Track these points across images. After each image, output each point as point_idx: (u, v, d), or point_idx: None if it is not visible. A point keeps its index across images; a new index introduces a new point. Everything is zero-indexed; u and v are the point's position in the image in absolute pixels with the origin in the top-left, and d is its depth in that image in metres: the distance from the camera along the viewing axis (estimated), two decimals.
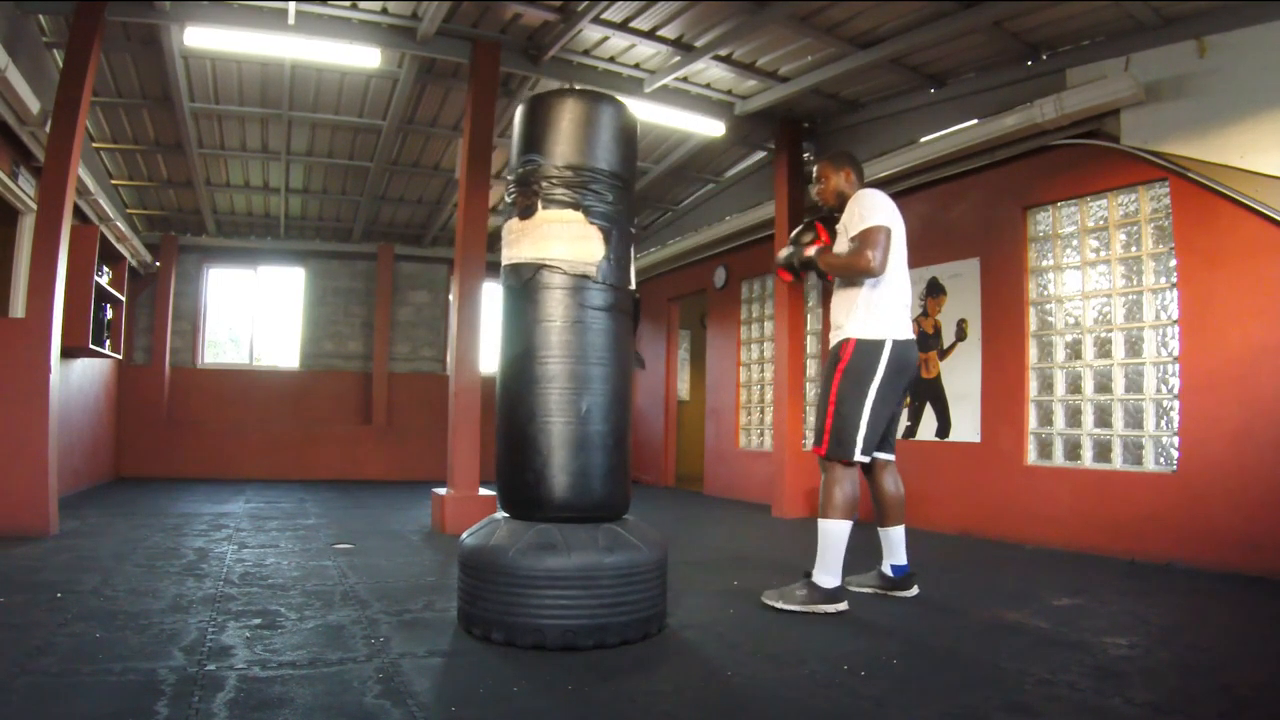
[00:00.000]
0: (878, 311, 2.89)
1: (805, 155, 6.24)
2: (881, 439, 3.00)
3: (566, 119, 2.49)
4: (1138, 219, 4.36)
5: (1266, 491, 3.60)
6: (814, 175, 3.23)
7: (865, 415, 2.84)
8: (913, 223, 5.55)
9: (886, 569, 3.11)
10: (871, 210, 2.88)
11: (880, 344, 2.86)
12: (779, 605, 2.79)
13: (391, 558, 3.80)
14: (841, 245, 2.98)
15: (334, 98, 5.98)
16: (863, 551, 3.32)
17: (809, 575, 2.85)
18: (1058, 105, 4.37)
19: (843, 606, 2.80)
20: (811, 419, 6.08)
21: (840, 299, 3.01)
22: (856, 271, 2.86)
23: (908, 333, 2.93)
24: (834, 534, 2.82)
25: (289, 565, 3.48)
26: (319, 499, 6.56)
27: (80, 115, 4.20)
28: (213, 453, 8.40)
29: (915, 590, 3.10)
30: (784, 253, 3.16)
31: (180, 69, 5.34)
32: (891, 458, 3.10)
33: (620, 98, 2.76)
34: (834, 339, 3.01)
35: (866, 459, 2.92)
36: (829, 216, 3.16)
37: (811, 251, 3.05)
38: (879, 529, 3.13)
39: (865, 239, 2.83)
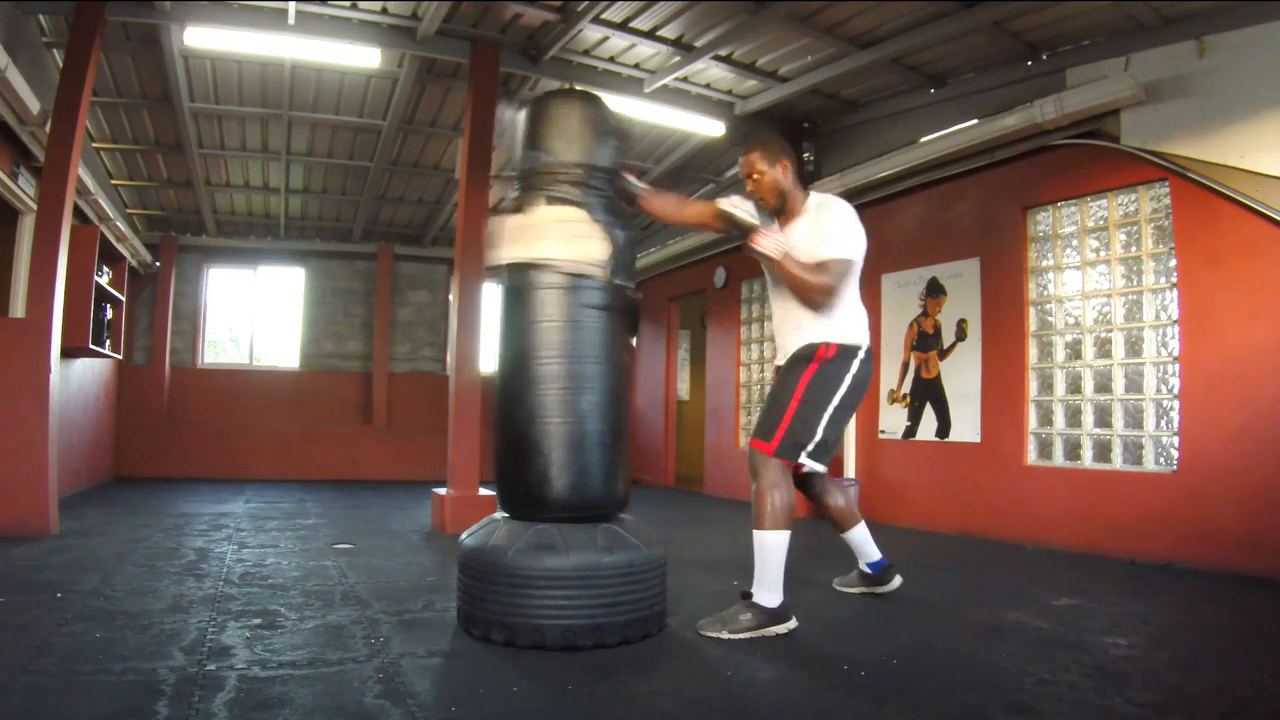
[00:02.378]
0: (854, 318, 2.68)
1: (805, 155, 6.24)
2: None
3: (565, 118, 2.50)
4: (1138, 219, 4.36)
5: (1266, 491, 3.60)
6: (741, 168, 2.75)
7: (824, 422, 2.61)
8: (913, 223, 5.65)
9: (864, 568, 3.07)
10: (847, 240, 2.59)
11: (856, 350, 2.65)
12: (723, 635, 2.45)
13: (391, 558, 3.80)
14: (798, 249, 2.59)
15: (334, 98, 5.98)
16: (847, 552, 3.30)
17: (748, 596, 2.55)
18: (1058, 105, 4.36)
19: (792, 624, 2.54)
20: None
21: (812, 311, 2.67)
22: (808, 292, 2.56)
23: (868, 342, 2.71)
24: (772, 545, 2.53)
25: (289, 565, 3.48)
26: (319, 499, 6.56)
27: (80, 115, 4.20)
28: (213, 453, 8.39)
29: (899, 581, 3.04)
30: (747, 217, 2.61)
31: (180, 69, 5.34)
32: (822, 469, 2.79)
33: (620, 98, 2.77)
34: (801, 339, 2.68)
35: (820, 468, 2.70)
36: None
37: (768, 244, 2.53)
38: (841, 536, 3.03)
39: (832, 270, 2.55)
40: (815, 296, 2.58)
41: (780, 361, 2.79)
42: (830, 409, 2.61)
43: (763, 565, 2.54)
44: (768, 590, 2.53)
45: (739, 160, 2.79)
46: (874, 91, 5.63)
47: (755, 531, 2.57)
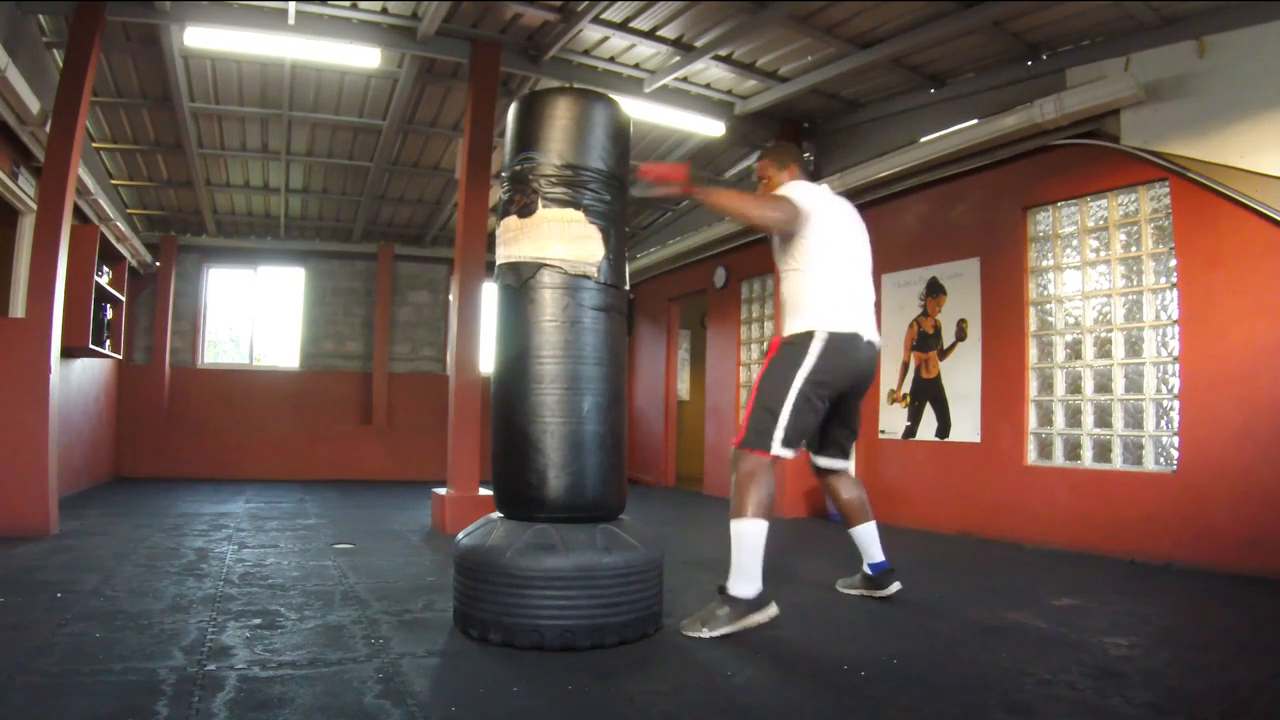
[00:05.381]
0: (808, 307, 2.74)
1: (806, 155, 6.23)
2: (833, 445, 2.93)
3: (563, 117, 2.49)
4: (1138, 219, 4.36)
5: (1266, 491, 3.60)
6: (756, 171, 3.07)
7: (787, 407, 2.63)
8: (913, 223, 5.65)
9: (866, 569, 3.06)
10: (788, 188, 2.79)
11: (808, 335, 2.68)
12: (704, 634, 2.43)
13: (391, 558, 3.80)
14: (777, 247, 2.88)
15: (334, 98, 5.98)
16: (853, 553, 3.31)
17: (723, 590, 2.53)
18: (1058, 105, 4.36)
19: (772, 611, 2.54)
20: None
21: (782, 307, 2.88)
22: (737, 210, 2.74)
23: (850, 326, 2.73)
24: (748, 535, 2.53)
25: (289, 565, 3.48)
26: (319, 499, 6.56)
27: (80, 115, 4.20)
28: (213, 453, 8.39)
29: (897, 586, 3.00)
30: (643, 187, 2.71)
31: (180, 69, 5.35)
32: (846, 465, 2.99)
33: (620, 98, 2.76)
34: None
35: (789, 454, 2.68)
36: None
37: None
38: (848, 531, 3.06)
39: (767, 200, 2.76)
40: (753, 218, 2.76)
41: None
42: (790, 397, 2.64)
43: (737, 555, 2.55)
44: (744, 581, 2.52)
45: (754, 165, 3.01)
46: (874, 91, 5.63)
47: (731, 521, 2.58)
